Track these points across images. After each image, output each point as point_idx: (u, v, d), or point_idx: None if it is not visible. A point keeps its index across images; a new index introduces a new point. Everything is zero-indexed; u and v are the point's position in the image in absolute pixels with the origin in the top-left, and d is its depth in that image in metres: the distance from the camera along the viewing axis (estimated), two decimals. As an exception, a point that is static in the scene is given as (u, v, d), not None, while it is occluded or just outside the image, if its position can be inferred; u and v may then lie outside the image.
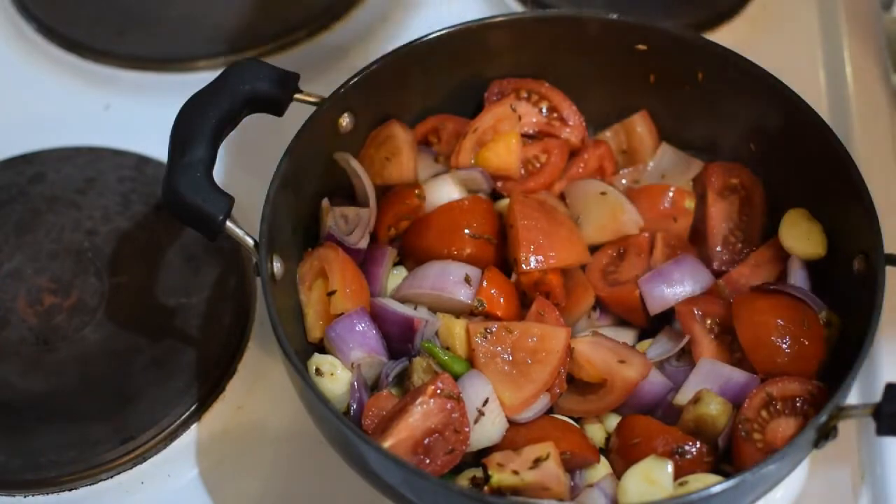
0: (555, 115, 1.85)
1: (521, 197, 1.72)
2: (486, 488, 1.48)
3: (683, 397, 1.58)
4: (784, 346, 1.58)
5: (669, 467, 1.50)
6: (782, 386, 1.55)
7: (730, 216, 1.77)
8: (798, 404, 1.54)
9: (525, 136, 1.83)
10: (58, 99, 2.17)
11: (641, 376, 1.60)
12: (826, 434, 1.46)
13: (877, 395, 1.44)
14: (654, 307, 1.68)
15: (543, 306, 1.65)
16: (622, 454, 1.57)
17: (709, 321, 1.65)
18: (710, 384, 1.58)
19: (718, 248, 1.74)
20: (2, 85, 2.22)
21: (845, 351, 1.58)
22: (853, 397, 1.68)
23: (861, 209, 1.60)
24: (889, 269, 1.55)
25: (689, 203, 1.76)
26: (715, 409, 1.54)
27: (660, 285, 1.68)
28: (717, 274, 1.73)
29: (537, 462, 1.49)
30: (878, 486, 1.67)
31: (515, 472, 1.48)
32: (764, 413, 1.54)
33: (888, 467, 1.67)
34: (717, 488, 1.40)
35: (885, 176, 1.96)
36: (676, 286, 1.68)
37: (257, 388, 1.80)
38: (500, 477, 1.48)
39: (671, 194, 1.76)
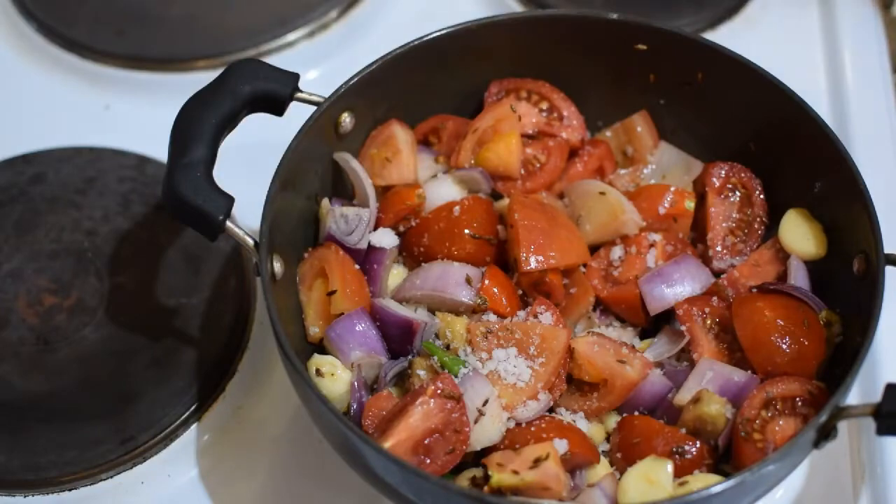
0: (555, 115, 1.85)
1: (520, 197, 1.72)
2: (486, 488, 1.48)
3: (683, 397, 1.58)
4: (784, 345, 1.58)
5: (669, 467, 1.51)
6: (782, 386, 1.55)
7: (730, 216, 1.77)
8: (798, 404, 1.54)
9: (525, 136, 1.83)
10: (58, 99, 2.17)
11: (641, 376, 1.60)
12: (826, 434, 1.46)
13: (877, 395, 1.44)
14: (654, 307, 1.68)
15: (544, 306, 1.65)
16: (622, 454, 1.57)
17: (709, 321, 1.65)
18: (710, 384, 1.58)
19: (718, 248, 1.75)
20: (2, 85, 2.22)
21: (845, 351, 1.58)
22: (853, 397, 1.68)
23: (861, 209, 1.60)
24: (889, 269, 1.55)
25: (689, 203, 1.76)
26: (715, 409, 1.54)
27: (660, 285, 1.68)
28: (717, 274, 1.73)
29: (537, 462, 1.48)
30: (878, 486, 1.67)
31: (515, 472, 1.48)
32: (764, 413, 1.54)
33: (888, 467, 1.67)
34: (717, 488, 1.40)
35: (885, 176, 1.97)
36: (676, 286, 1.68)
37: (257, 388, 1.80)
38: (500, 477, 1.48)
39: (671, 194, 1.76)
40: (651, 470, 1.51)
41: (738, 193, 1.78)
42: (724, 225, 1.76)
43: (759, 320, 1.60)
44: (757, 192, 1.77)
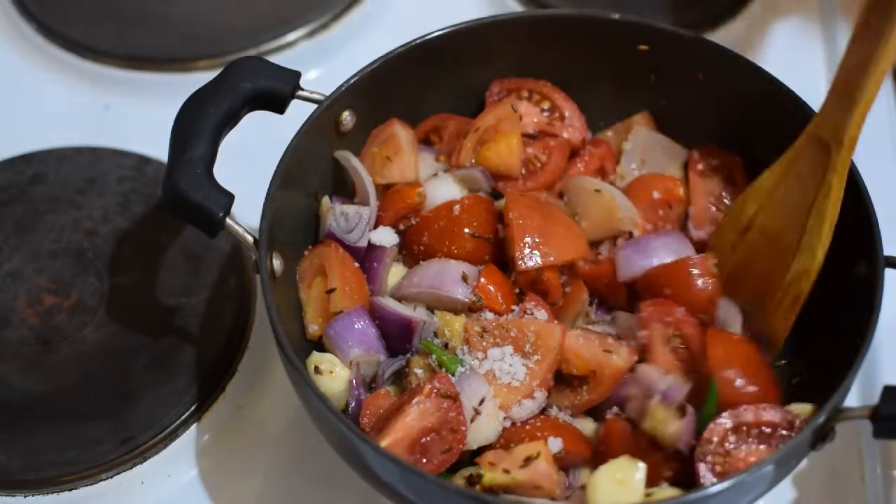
0: (556, 114, 1.85)
1: (516, 195, 1.72)
2: (478, 487, 1.48)
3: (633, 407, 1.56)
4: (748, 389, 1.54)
5: (642, 468, 1.48)
6: (749, 412, 1.52)
7: (712, 192, 1.77)
8: (764, 430, 1.51)
9: (526, 135, 1.83)
10: (58, 99, 2.17)
11: (629, 363, 1.59)
12: (824, 436, 1.46)
13: (876, 397, 1.44)
14: (623, 273, 1.67)
15: (535, 302, 1.65)
16: (609, 455, 1.55)
17: (670, 332, 1.61)
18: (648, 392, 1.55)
19: (698, 215, 1.75)
20: (2, 85, 2.22)
21: (844, 352, 1.58)
22: (852, 399, 1.68)
23: (861, 211, 1.59)
24: (889, 271, 1.55)
25: (682, 190, 1.77)
26: (662, 418, 1.51)
27: (632, 253, 1.67)
28: (699, 246, 1.72)
29: (528, 461, 1.48)
30: (878, 486, 1.67)
31: (506, 471, 1.48)
32: (728, 439, 1.51)
33: (888, 467, 1.66)
34: (716, 489, 1.39)
35: (885, 176, 1.97)
36: (652, 256, 1.67)
37: (257, 388, 1.80)
38: (491, 476, 1.48)
39: (663, 183, 1.76)
40: (621, 470, 1.48)
41: (719, 173, 1.78)
42: (705, 198, 1.77)
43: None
44: (738, 172, 1.77)
